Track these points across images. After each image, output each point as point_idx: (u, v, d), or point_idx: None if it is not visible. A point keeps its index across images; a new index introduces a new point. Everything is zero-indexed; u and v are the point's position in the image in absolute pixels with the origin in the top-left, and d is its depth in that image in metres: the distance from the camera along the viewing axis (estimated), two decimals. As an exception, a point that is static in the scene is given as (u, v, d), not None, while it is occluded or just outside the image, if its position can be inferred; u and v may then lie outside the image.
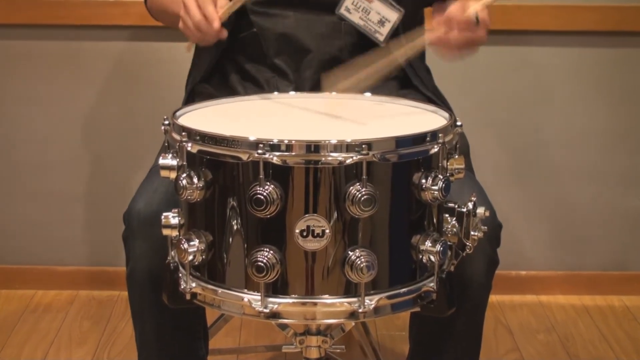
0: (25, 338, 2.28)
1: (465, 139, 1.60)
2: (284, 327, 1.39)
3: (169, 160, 1.23)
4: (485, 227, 1.27)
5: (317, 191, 1.15)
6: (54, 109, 2.45)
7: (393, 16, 1.51)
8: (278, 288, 1.19)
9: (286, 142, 1.14)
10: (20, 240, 2.55)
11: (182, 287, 1.25)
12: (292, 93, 1.55)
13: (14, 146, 2.48)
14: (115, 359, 2.18)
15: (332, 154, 1.14)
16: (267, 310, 1.18)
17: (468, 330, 1.55)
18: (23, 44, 2.40)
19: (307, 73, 1.62)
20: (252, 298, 1.19)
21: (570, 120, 2.46)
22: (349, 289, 1.19)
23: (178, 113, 1.33)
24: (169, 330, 1.55)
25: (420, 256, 1.22)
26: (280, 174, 1.14)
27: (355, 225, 1.17)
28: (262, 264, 1.16)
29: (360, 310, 1.18)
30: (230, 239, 1.20)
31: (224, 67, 1.69)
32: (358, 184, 1.14)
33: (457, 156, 1.25)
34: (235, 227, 1.19)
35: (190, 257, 1.21)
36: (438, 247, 1.21)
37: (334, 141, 1.14)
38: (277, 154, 1.14)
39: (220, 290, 1.22)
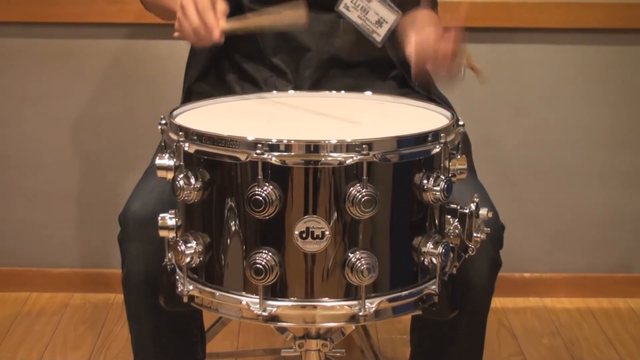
0: (20, 342, 2.26)
1: (468, 138, 1.59)
2: (283, 330, 1.38)
3: (165, 160, 1.22)
4: (488, 229, 1.26)
5: (316, 192, 1.14)
6: (48, 108, 2.43)
7: (391, 18, 1.50)
8: (277, 291, 1.18)
9: (285, 142, 1.13)
10: (13, 242, 2.53)
11: (179, 289, 1.24)
12: (290, 92, 1.55)
13: (7, 146, 2.46)
14: (111, 363, 2.17)
15: (332, 154, 1.13)
16: (265, 314, 1.18)
17: (470, 334, 1.54)
18: (17, 42, 2.39)
19: (306, 72, 1.61)
20: (251, 301, 1.18)
21: (574, 120, 2.45)
22: (349, 292, 1.18)
23: (175, 112, 1.33)
24: (165, 333, 1.54)
25: (422, 258, 1.21)
26: (279, 175, 1.14)
27: (355, 227, 1.16)
28: (261, 266, 1.15)
29: (360, 314, 1.18)
30: (228, 241, 1.19)
31: (221, 66, 1.68)
32: (358, 184, 1.13)
33: (459, 156, 1.24)
34: (233, 229, 1.18)
35: (188, 259, 1.20)
36: (440, 249, 1.20)
37: (333, 141, 1.13)
38: (276, 154, 1.13)
39: (218, 293, 1.21)
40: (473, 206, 1.23)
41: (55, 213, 2.50)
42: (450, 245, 1.24)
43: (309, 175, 1.14)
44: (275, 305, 1.18)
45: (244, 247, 1.17)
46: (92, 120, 2.44)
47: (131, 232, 1.47)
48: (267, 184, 1.13)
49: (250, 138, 1.14)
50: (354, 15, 1.51)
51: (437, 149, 1.19)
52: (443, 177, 1.18)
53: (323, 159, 1.13)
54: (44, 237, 2.52)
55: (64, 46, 2.38)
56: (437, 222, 1.23)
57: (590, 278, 2.55)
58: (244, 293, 1.19)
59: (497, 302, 2.43)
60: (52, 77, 2.40)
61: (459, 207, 1.24)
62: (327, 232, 1.14)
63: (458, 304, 1.27)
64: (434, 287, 1.23)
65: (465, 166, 1.24)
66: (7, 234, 2.53)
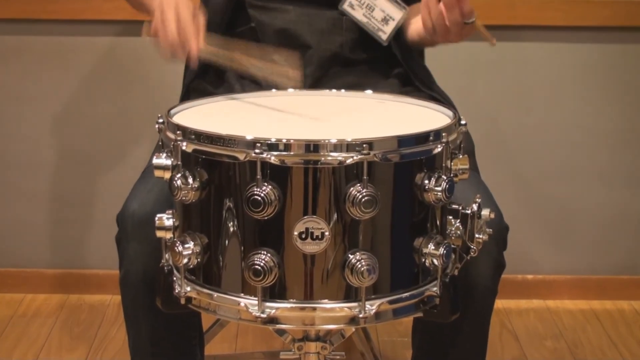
0: (15, 343, 2.25)
1: (470, 138, 1.59)
2: (281, 332, 1.37)
3: (163, 159, 1.21)
4: (491, 230, 1.25)
5: (316, 192, 1.13)
6: (43, 106, 2.42)
7: (398, 14, 1.49)
8: (276, 292, 1.17)
9: (284, 141, 1.12)
10: (8, 242, 2.52)
11: (177, 291, 1.23)
12: (290, 90, 1.53)
13: (1, 145, 2.45)
14: (107, 365, 2.17)
15: (332, 154, 1.12)
16: (264, 316, 1.17)
17: (473, 336, 1.53)
18: (11, 39, 2.37)
19: (306, 70, 1.59)
20: (249, 303, 1.18)
21: (578, 119, 2.44)
22: (349, 294, 1.17)
23: (173, 111, 1.32)
24: (163, 335, 1.53)
25: (423, 259, 1.20)
26: (278, 175, 1.13)
27: (355, 228, 1.15)
28: (260, 268, 1.14)
29: (360, 316, 1.17)
30: (227, 242, 1.18)
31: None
32: (359, 184, 1.12)
33: (461, 156, 1.23)
34: (231, 229, 1.17)
35: (185, 260, 1.20)
36: (441, 250, 1.19)
37: (333, 140, 1.12)
38: (275, 153, 1.12)
39: (216, 294, 1.21)
40: (475, 207, 1.22)
41: (52, 213, 2.49)
42: (452, 246, 1.23)
43: (309, 175, 1.13)
44: (274, 307, 1.17)
45: (243, 247, 1.17)
46: (88, 118, 2.42)
47: (129, 232, 1.46)
48: (266, 184, 1.12)
49: (249, 137, 1.13)
50: (358, 14, 1.50)
51: (438, 149, 1.18)
52: (445, 177, 1.17)
53: (323, 158, 1.12)
54: (40, 238, 2.51)
55: (60, 43, 2.37)
56: (438, 222, 1.22)
57: (594, 280, 2.54)
58: (242, 294, 1.18)
59: (499, 303, 2.41)
60: (47, 75, 2.39)
61: (460, 208, 1.23)
62: (326, 233, 1.13)
63: (460, 306, 1.26)
64: (435, 289, 1.22)
65: (467, 166, 1.23)
66: (2, 234, 2.51)
